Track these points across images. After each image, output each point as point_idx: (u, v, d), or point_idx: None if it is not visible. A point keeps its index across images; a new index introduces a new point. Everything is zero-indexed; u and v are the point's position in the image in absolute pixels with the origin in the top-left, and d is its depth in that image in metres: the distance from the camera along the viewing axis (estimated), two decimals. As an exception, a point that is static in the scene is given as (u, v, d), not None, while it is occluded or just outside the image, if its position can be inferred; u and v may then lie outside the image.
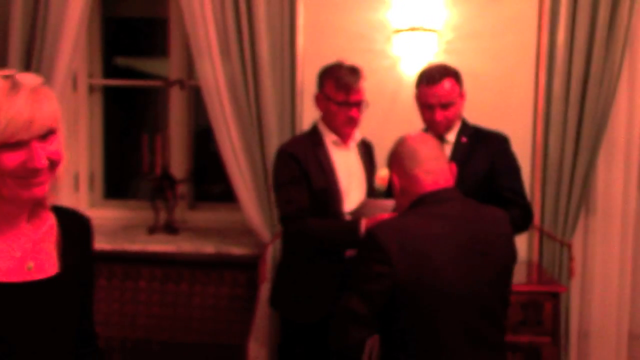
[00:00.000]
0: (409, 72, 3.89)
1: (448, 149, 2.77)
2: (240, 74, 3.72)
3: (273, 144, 3.68)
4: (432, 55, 3.83)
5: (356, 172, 2.71)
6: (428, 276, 1.70)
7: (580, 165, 3.85)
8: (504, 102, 3.92)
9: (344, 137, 2.65)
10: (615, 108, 3.90)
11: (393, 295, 1.69)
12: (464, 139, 2.80)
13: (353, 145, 2.71)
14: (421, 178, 1.88)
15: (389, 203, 2.45)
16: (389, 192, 2.91)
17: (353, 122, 2.60)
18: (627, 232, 3.97)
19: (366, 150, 2.85)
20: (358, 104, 2.60)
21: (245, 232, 4.13)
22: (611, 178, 3.94)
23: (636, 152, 3.95)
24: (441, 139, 2.80)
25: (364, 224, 2.39)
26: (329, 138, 2.66)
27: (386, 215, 2.44)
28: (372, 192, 2.81)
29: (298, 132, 3.77)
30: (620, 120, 3.92)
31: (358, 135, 2.70)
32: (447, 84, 2.68)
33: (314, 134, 2.69)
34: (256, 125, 3.75)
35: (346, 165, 2.68)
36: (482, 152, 2.76)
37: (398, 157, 1.95)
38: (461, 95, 2.74)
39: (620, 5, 3.67)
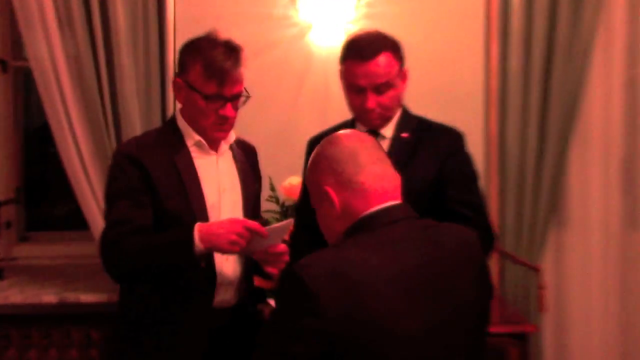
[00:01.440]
0: (321, 42, 3.63)
1: (384, 147, 2.37)
2: (87, 52, 3.43)
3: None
4: (348, 21, 3.57)
5: (229, 186, 2.35)
6: (374, 329, 1.51)
7: (548, 163, 3.59)
8: (445, 82, 3.67)
9: (212, 140, 2.30)
10: (589, 88, 3.62)
11: (326, 358, 1.50)
12: (405, 134, 2.48)
13: (225, 148, 2.36)
14: (368, 188, 1.67)
15: (286, 224, 2.20)
16: (302, 208, 2.58)
17: (226, 124, 2.26)
18: (609, 249, 3.70)
19: (245, 155, 2.48)
20: (235, 98, 2.24)
21: (101, 270, 3.21)
22: (587, 179, 3.69)
23: (616, 144, 3.65)
24: (374, 134, 2.44)
25: (197, 231, 2.08)
26: (192, 139, 2.28)
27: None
28: (255, 213, 2.50)
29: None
30: (596, 104, 3.64)
31: (232, 135, 2.35)
32: (382, 59, 2.35)
33: (170, 132, 2.31)
34: (112, 122, 3.45)
35: (215, 177, 2.32)
36: (429, 152, 2.44)
37: (332, 162, 1.72)
38: (402, 76, 2.42)
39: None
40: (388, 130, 2.48)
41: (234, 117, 2.26)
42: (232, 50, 2.20)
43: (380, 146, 1.76)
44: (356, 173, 1.69)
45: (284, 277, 1.61)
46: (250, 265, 2.38)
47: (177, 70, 2.29)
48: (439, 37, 3.67)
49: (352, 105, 2.45)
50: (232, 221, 2.09)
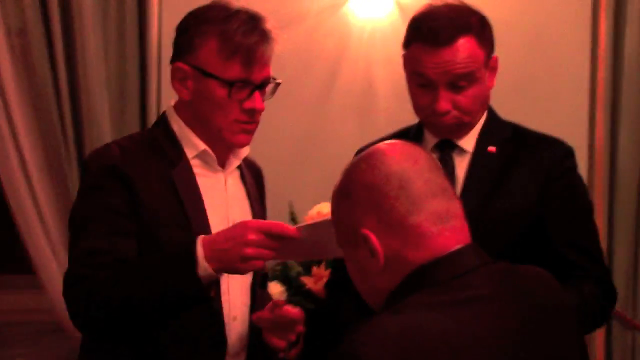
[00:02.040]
0: (363, 14, 3.37)
1: (463, 165, 2.26)
2: (37, 25, 3.18)
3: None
4: None
5: (239, 216, 2.10)
6: None
7: None
8: (536, 73, 3.43)
9: (222, 151, 2.09)
10: None
11: None
12: (492, 148, 2.26)
13: (235, 165, 2.15)
14: (427, 232, 1.51)
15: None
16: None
17: (253, 122, 2.05)
18: None
19: (253, 178, 2.29)
20: (265, 85, 2.04)
21: (51, 330, 3.41)
22: None
23: None
24: (449, 146, 2.27)
25: (201, 245, 1.87)
26: (194, 148, 2.07)
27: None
28: None
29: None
30: None
31: (246, 147, 2.15)
32: (463, 44, 2.13)
33: (162, 137, 2.09)
34: (70, 123, 3.24)
35: (223, 203, 2.13)
36: (526, 173, 2.22)
37: (373, 194, 1.52)
38: (490, 67, 2.21)
39: None
40: (469, 142, 2.28)
41: (260, 114, 2.09)
42: (256, 21, 2.03)
43: (437, 164, 1.63)
44: (410, 212, 1.55)
45: (332, 358, 1.51)
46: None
47: (175, 52, 2.08)
48: (530, 6, 3.41)
49: (419, 106, 2.23)
50: (240, 227, 1.89)
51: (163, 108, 3.28)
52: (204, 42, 2.03)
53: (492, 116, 2.32)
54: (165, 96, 3.33)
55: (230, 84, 2.00)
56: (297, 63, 3.31)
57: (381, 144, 1.61)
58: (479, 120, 2.27)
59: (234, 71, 1.99)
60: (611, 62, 3.33)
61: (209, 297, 1.94)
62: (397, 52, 3.03)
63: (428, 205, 1.52)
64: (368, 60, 3.33)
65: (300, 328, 2.10)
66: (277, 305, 2.07)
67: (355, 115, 3.35)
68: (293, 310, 2.08)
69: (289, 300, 2.78)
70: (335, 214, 1.61)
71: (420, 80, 2.18)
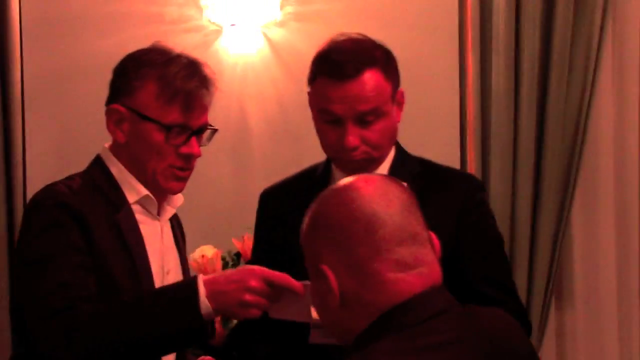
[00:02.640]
0: (235, 49, 3.32)
1: None
2: None
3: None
4: (271, 22, 3.31)
5: (173, 267, 2.16)
6: None
7: (545, 220, 3.34)
8: (410, 120, 3.00)
9: (162, 192, 2.09)
10: (596, 115, 3.35)
11: None
12: (403, 183, 1.95)
13: (170, 213, 2.16)
14: (388, 280, 1.50)
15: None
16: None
17: (188, 168, 2.06)
18: (624, 331, 3.40)
19: (178, 228, 2.27)
20: (201, 132, 2.06)
21: None
22: (596, 241, 3.38)
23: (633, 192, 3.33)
24: None
25: (202, 284, 1.87)
26: (136, 193, 2.06)
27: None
28: None
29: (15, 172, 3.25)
30: (605, 136, 3.34)
31: (180, 197, 2.16)
32: (369, 77, 2.14)
33: (102, 180, 2.07)
34: None
35: (159, 253, 2.12)
36: (438, 208, 2.13)
37: (336, 233, 1.52)
38: (397, 101, 2.22)
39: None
40: None
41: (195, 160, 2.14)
42: (196, 66, 2.05)
43: (413, 206, 1.60)
44: (371, 258, 1.54)
45: None
46: None
47: (112, 94, 2.09)
48: (398, 43, 3.07)
49: (327, 143, 2.22)
50: (245, 272, 1.91)
51: (28, 147, 3.23)
52: (143, 85, 2.02)
53: (400, 150, 2.33)
54: (30, 136, 3.22)
55: (168, 128, 1.98)
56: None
57: (359, 178, 1.60)
58: (387, 155, 2.27)
59: (173, 116, 1.99)
60: (479, 97, 3.32)
61: (208, 335, 1.91)
62: (269, 88, 3.04)
63: (392, 253, 1.50)
64: (241, 97, 3.28)
65: None
66: None
67: (230, 154, 3.28)
68: None
69: None
70: (302, 240, 1.59)
71: (327, 117, 2.16)
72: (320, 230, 1.56)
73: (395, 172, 2.26)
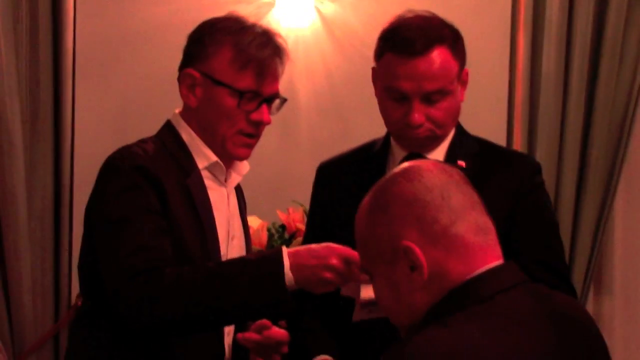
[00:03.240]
0: (287, 23, 3.26)
1: None
2: None
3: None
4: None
5: (238, 233, 2.19)
6: None
7: (588, 208, 3.34)
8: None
9: (231, 158, 2.11)
10: None
11: None
12: (461, 162, 2.24)
13: (237, 180, 2.18)
14: (469, 243, 1.51)
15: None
16: None
17: (256, 134, 2.07)
18: None
19: (241, 195, 2.29)
20: (272, 100, 2.08)
21: None
22: (636, 231, 3.41)
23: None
24: (417, 159, 2.12)
25: (287, 257, 1.89)
26: (205, 158, 2.08)
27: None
28: None
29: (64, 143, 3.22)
30: None
31: (246, 166, 2.19)
32: (438, 55, 2.14)
33: (173, 145, 2.09)
34: None
35: (225, 218, 2.14)
36: (495, 189, 2.16)
37: (415, 207, 1.52)
38: (462, 80, 2.21)
39: None
40: (438, 156, 2.27)
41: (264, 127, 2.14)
42: (270, 35, 2.07)
43: (468, 180, 1.62)
44: (453, 222, 1.56)
45: None
46: None
47: (185, 59, 2.11)
48: (449, 21, 3.32)
49: (390, 119, 2.20)
50: (328, 249, 1.93)
51: (78, 116, 3.25)
52: (218, 50, 2.03)
53: (461, 130, 2.31)
54: (80, 105, 3.24)
55: (240, 94, 2.00)
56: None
57: (409, 162, 1.62)
58: (448, 134, 2.27)
59: (246, 82, 2.01)
60: (528, 80, 3.33)
61: (292, 307, 1.94)
62: (319, 63, 3.05)
63: (468, 216, 1.53)
64: (290, 71, 3.06)
65: (285, 349, 2.07)
66: (265, 327, 2.05)
67: (277, 128, 3.11)
68: (280, 332, 2.05)
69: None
70: (368, 230, 1.59)
71: (393, 94, 2.15)
72: (396, 210, 1.55)
73: (454, 151, 2.28)
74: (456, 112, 2.24)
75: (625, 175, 3.36)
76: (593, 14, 3.27)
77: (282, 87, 3.05)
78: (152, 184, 2.03)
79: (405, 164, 1.60)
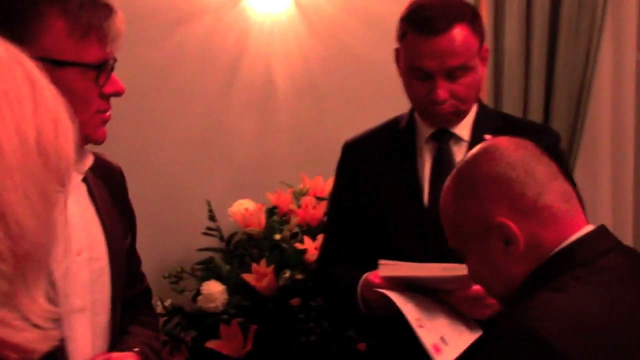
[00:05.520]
0: (263, 9, 3.23)
1: (461, 153, 2.26)
2: None
3: None
4: None
5: (86, 244, 1.76)
6: None
7: None
8: None
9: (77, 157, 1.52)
10: (598, 75, 3.35)
11: None
12: (487, 136, 2.20)
13: (77, 180, 1.73)
14: (559, 211, 1.54)
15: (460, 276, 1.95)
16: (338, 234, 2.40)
17: (109, 108, 1.73)
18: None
19: (107, 186, 1.91)
20: (109, 69, 1.69)
21: None
22: (596, 192, 3.39)
23: (630, 146, 3.40)
24: (445, 134, 2.28)
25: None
26: None
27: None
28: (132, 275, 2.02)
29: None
30: (605, 96, 3.36)
31: (90, 159, 1.75)
32: (459, 33, 2.18)
33: None
34: None
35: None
36: None
37: (502, 184, 1.55)
38: (482, 56, 2.24)
39: None
40: (464, 131, 2.30)
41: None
42: None
43: (542, 151, 1.66)
44: (540, 194, 1.57)
45: (505, 337, 1.51)
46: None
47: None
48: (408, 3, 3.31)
49: (415, 97, 2.25)
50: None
51: None
52: (46, 25, 1.68)
53: (483, 105, 2.38)
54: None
55: (95, 68, 1.69)
56: (197, 59, 3.18)
57: (485, 143, 1.67)
58: (471, 108, 2.31)
59: (93, 53, 1.69)
60: (493, 58, 3.30)
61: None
62: (294, 47, 3.10)
63: (553, 185, 1.56)
64: (267, 56, 3.24)
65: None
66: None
67: (256, 111, 3.26)
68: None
69: (230, 300, 2.71)
70: (458, 215, 1.60)
71: (417, 72, 2.19)
72: (484, 190, 1.58)
73: (478, 125, 2.33)
74: (478, 87, 2.31)
75: (583, 145, 3.36)
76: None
77: (259, 71, 3.13)
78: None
79: (481, 145, 1.64)
